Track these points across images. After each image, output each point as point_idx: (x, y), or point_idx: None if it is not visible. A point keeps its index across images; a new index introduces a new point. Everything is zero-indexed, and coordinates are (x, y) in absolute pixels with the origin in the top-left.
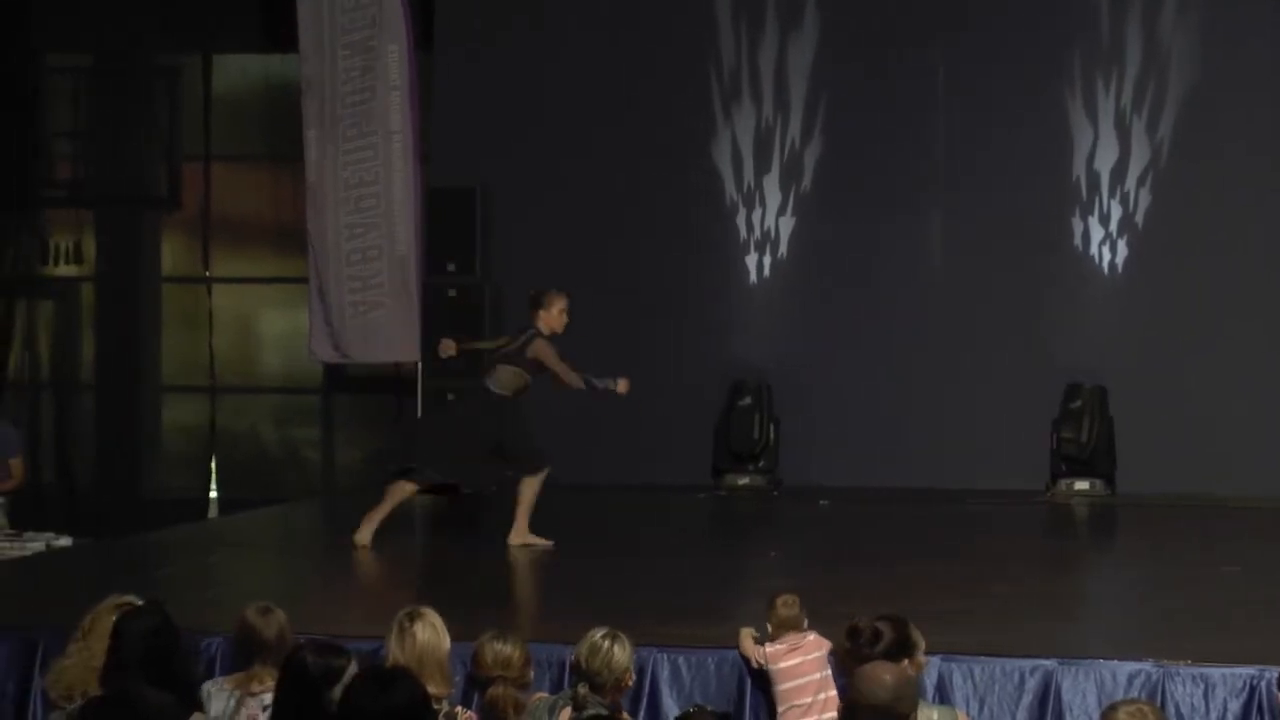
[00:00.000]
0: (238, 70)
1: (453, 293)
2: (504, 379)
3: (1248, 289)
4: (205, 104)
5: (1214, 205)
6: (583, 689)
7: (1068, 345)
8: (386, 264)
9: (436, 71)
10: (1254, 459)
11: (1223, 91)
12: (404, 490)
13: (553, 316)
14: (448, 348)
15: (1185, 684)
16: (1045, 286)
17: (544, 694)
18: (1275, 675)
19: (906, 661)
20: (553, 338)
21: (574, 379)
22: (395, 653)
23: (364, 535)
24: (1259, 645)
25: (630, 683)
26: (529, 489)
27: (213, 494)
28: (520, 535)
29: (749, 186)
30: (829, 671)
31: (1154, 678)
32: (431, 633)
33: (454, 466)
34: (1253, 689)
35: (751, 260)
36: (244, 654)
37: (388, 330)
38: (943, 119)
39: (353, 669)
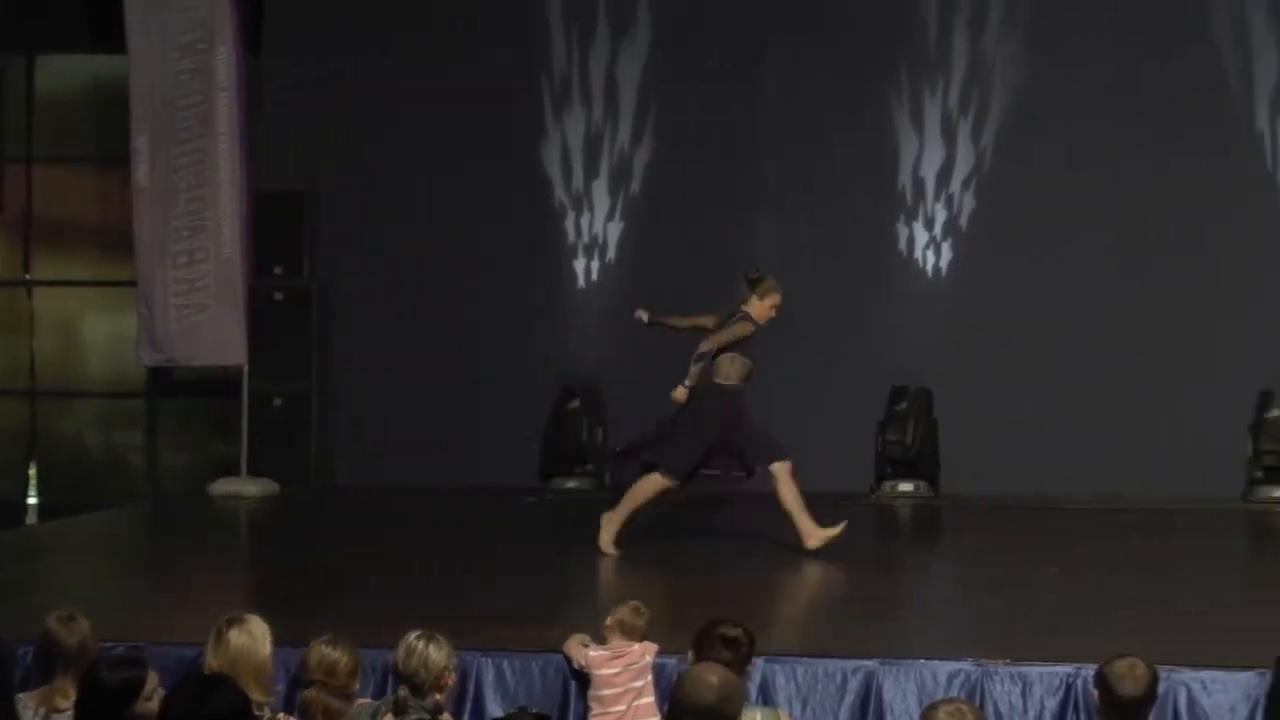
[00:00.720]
0: (64, 71)
1: (280, 296)
2: (729, 370)
3: (1070, 291)
4: (28, 105)
5: (1037, 209)
6: (403, 691)
7: (893, 348)
8: (213, 267)
9: (265, 74)
10: (1076, 460)
11: (1045, 97)
12: (654, 484)
13: (764, 307)
14: (643, 315)
15: (1004, 683)
16: (871, 290)
17: (367, 699)
18: (1091, 673)
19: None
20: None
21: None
22: (211, 659)
23: (608, 539)
24: (1076, 644)
25: (450, 682)
26: (787, 487)
27: (31, 499)
28: (814, 536)
29: (578, 190)
30: (649, 679)
31: (973, 677)
32: (248, 639)
33: (692, 457)
34: (1069, 687)
35: (580, 264)
36: (46, 665)
37: (214, 333)
38: (772, 125)
39: (152, 681)
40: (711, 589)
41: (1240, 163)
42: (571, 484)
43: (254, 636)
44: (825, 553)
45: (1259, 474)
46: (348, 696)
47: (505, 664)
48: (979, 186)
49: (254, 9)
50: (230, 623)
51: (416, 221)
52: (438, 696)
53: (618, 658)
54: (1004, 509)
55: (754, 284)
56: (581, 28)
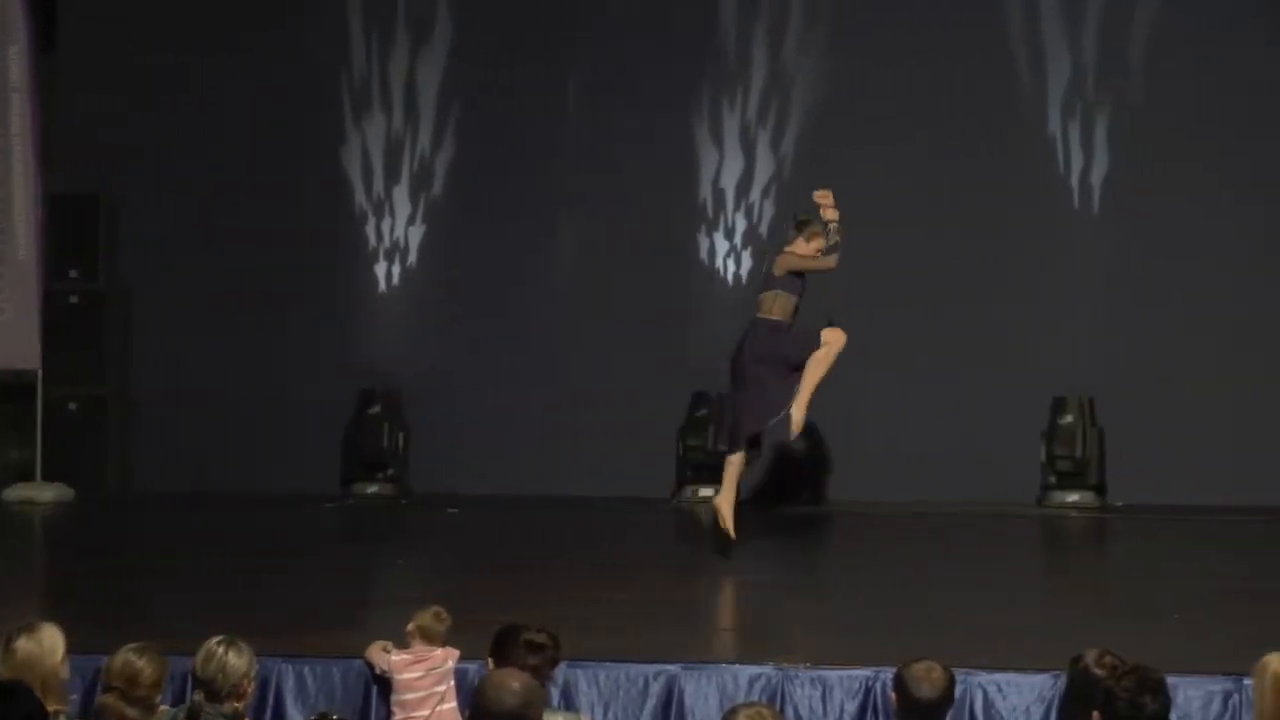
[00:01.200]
0: None
1: (75, 299)
2: (775, 306)
3: (869, 297)
4: None
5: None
6: (198, 697)
7: (696, 354)
8: (7, 269)
9: (59, 74)
10: (874, 466)
11: (844, 104)
12: (737, 464)
13: (810, 249)
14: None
15: (804, 686)
16: (672, 298)
17: (166, 707)
18: (890, 676)
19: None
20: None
21: (829, 261)
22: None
23: (729, 521)
24: (875, 648)
25: (249, 689)
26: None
27: None
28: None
29: (378, 195)
30: (452, 684)
31: (774, 681)
32: (35, 646)
33: (762, 406)
34: (868, 690)
35: (381, 269)
36: None
37: (7, 336)
38: (573, 133)
39: None
40: (515, 593)
41: (1034, 165)
42: (372, 489)
43: (43, 645)
44: (628, 558)
45: (1052, 479)
46: (149, 707)
47: (306, 670)
48: (779, 195)
49: (46, 8)
50: (19, 631)
51: (217, 224)
52: (236, 704)
53: (419, 662)
54: (809, 513)
55: (801, 226)
56: (381, 32)
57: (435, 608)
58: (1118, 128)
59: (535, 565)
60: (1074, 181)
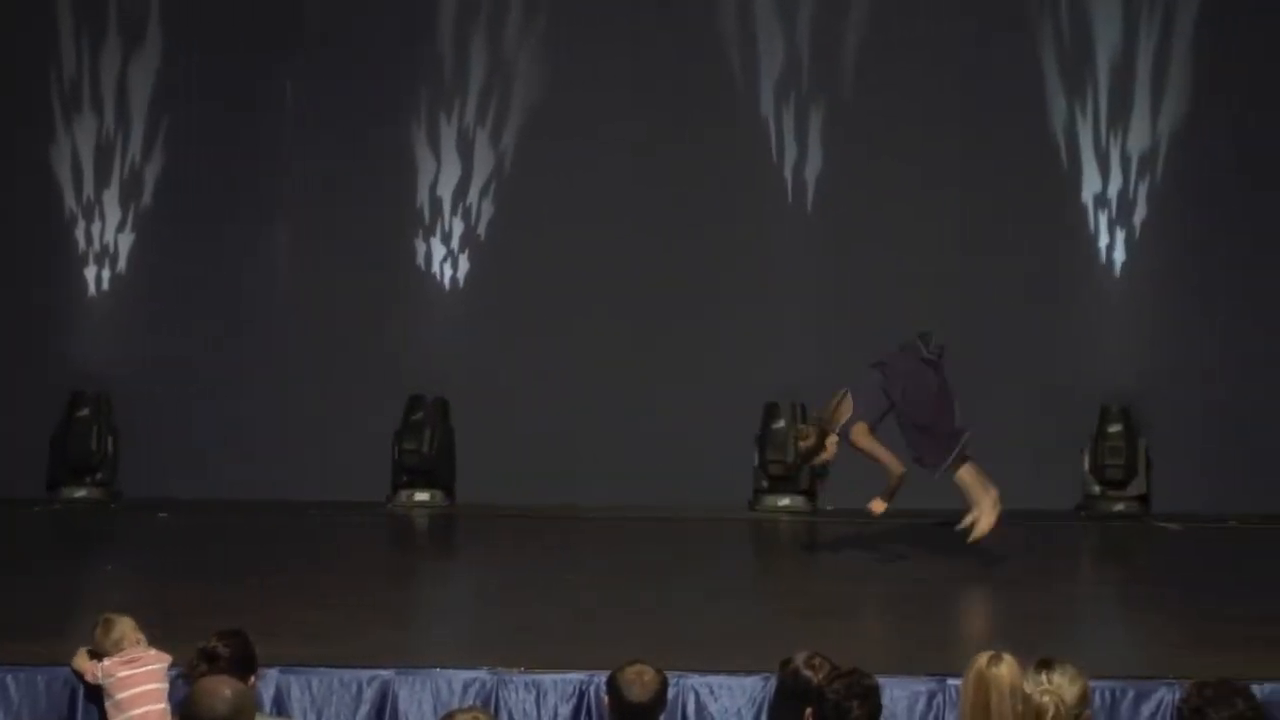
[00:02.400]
0: None
1: None
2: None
3: (586, 300)
4: None
5: (554, 220)
6: None
7: (412, 359)
8: None
9: None
10: (591, 468)
11: (562, 101)
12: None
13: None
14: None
15: (518, 690)
16: (389, 303)
17: None
18: (603, 680)
19: (253, 678)
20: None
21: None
22: None
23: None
24: (589, 652)
25: None
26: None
27: None
28: None
29: (89, 198)
30: (166, 685)
31: (488, 685)
32: None
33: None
34: (582, 694)
35: (91, 272)
36: None
37: None
38: (289, 138)
39: None
40: (227, 599)
41: (748, 163)
42: (80, 493)
43: None
44: (342, 562)
45: (764, 484)
46: None
47: (10, 678)
48: (498, 194)
49: None
50: None
51: None
52: None
53: (132, 662)
54: (522, 517)
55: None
56: (92, 34)
57: (117, 615)
58: (831, 123)
59: (247, 570)
60: (788, 176)
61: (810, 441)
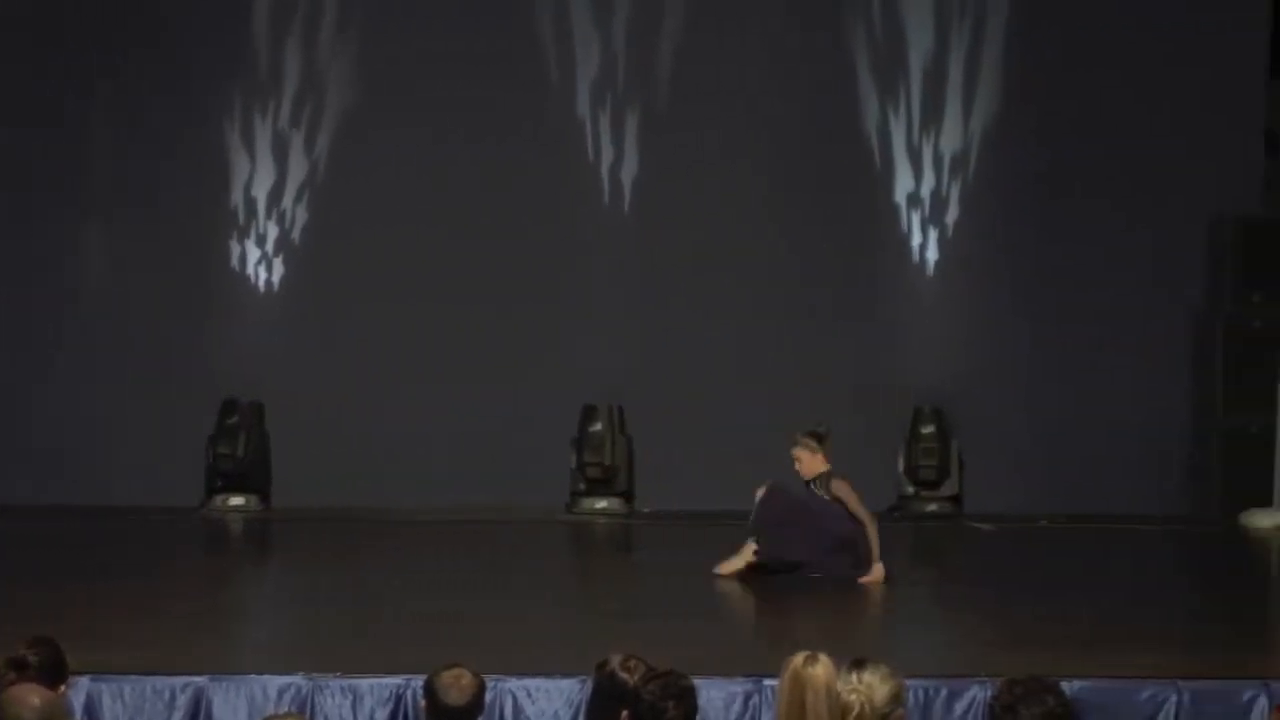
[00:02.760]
0: None
1: None
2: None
3: (404, 302)
4: None
5: (370, 222)
6: None
7: (227, 362)
8: None
9: None
10: (410, 471)
11: (379, 108)
12: None
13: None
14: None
15: (335, 696)
16: (203, 305)
17: None
18: (420, 684)
19: (63, 686)
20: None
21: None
22: None
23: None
24: (406, 655)
25: None
26: None
27: None
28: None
29: None
30: None
31: (304, 690)
32: None
33: None
34: (399, 698)
35: None
36: None
37: None
38: (103, 138)
39: None
40: (37, 606)
41: (565, 164)
42: None
43: None
44: (156, 568)
45: (582, 486)
46: None
47: None
48: (311, 202)
49: None
50: None
51: None
52: None
53: None
54: (339, 521)
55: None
56: None
57: None
58: (647, 125)
59: (61, 577)
60: (604, 177)
61: None
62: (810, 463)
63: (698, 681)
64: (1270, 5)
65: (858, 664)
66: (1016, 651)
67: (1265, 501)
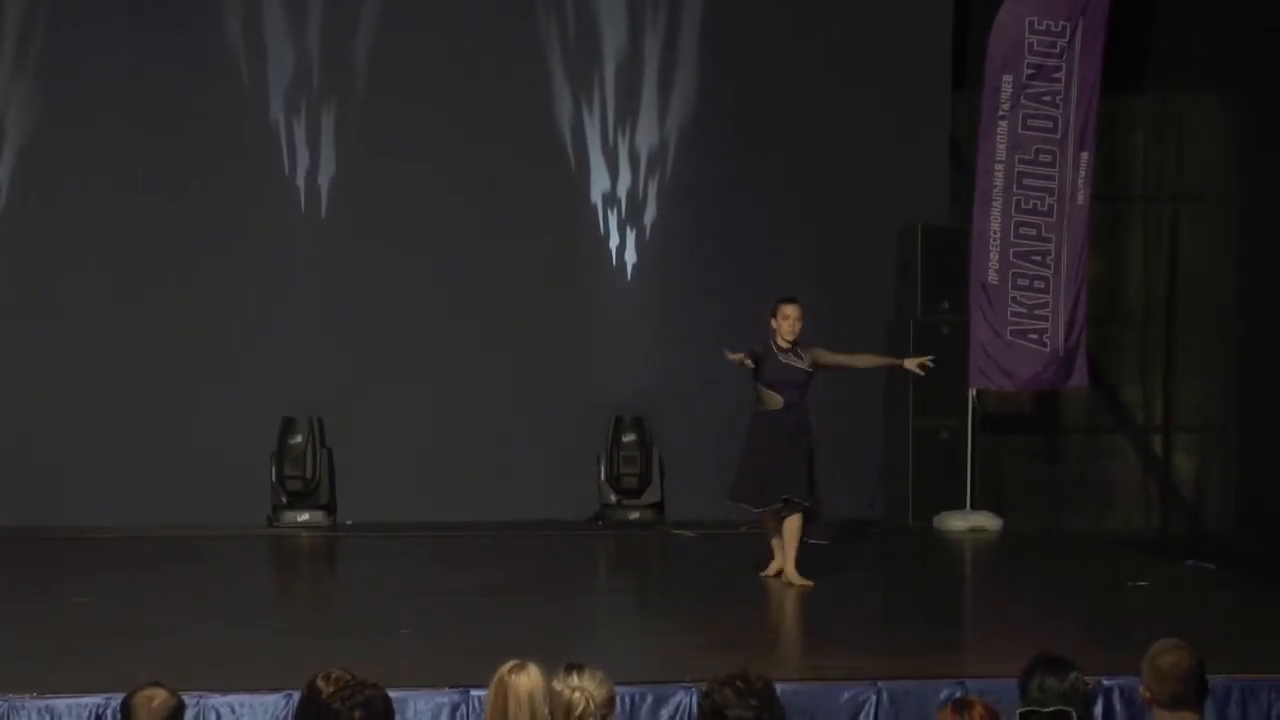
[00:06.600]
0: None
1: None
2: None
3: (89, 308)
4: None
5: (62, 234)
6: None
7: None
8: None
9: None
10: (109, 487)
11: (62, 122)
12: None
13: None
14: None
15: (31, 716)
16: None
17: None
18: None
19: None
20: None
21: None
22: None
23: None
24: (104, 674)
25: None
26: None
27: None
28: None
29: None
30: None
31: (2, 712)
32: None
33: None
34: (99, 717)
35: None
36: None
37: None
38: None
39: None
40: None
41: (260, 168)
42: None
43: None
44: None
45: (283, 499)
46: None
47: None
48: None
49: None
50: None
51: None
52: None
53: None
54: (33, 539)
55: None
56: None
57: None
58: (344, 128)
59: None
60: (300, 183)
61: None
62: (799, 323)
63: (405, 693)
64: (953, 19)
65: (574, 668)
66: (718, 656)
67: (957, 504)
